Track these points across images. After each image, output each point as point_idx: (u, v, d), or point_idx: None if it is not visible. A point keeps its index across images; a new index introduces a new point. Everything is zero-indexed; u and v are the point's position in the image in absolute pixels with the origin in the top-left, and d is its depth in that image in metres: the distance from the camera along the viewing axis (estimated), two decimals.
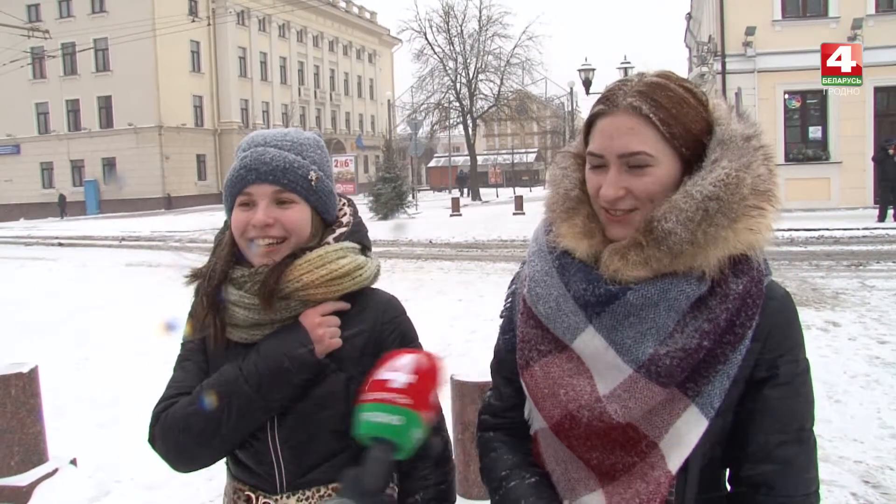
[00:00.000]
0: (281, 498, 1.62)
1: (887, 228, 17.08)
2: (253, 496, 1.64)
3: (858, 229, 17.17)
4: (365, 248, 1.75)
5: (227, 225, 1.70)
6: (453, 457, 1.75)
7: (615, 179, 1.31)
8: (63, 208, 48.18)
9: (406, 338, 1.70)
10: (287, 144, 1.64)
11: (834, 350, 7.40)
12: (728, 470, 1.41)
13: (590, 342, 1.33)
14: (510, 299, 1.58)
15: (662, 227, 1.27)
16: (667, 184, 1.31)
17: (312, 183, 1.63)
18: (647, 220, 1.29)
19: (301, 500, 1.62)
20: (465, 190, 48.38)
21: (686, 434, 1.30)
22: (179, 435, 1.58)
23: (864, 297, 10.02)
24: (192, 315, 1.70)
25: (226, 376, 1.58)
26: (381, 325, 1.67)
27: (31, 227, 37.86)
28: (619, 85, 1.36)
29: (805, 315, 8.87)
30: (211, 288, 1.62)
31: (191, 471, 1.66)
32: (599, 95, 1.39)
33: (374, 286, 1.72)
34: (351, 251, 1.67)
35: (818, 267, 12.87)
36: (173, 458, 1.62)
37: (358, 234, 1.73)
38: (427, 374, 1.28)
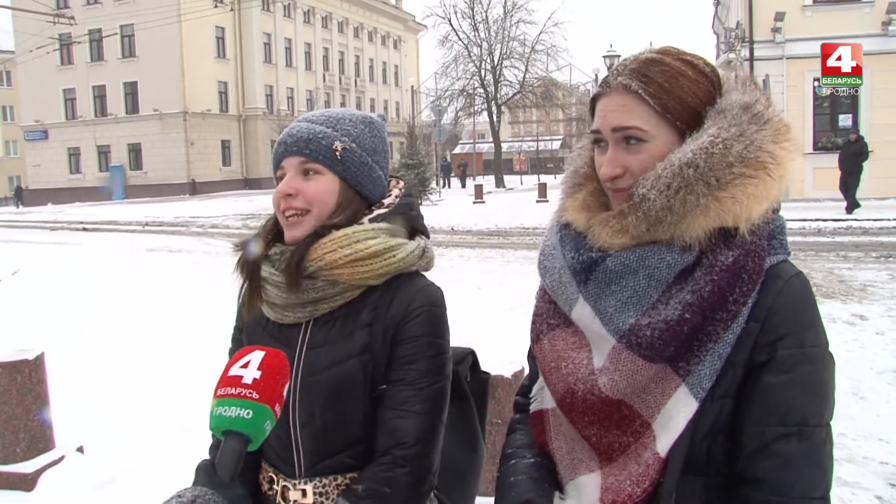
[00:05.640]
0: (299, 483, 1.60)
1: None
2: (275, 478, 1.65)
3: (888, 220, 16.83)
4: (416, 231, 1.71)
5: None
6: (434, 469, 1.59)
7: (612, 157, 1.33)
8: (20, 198, 49.92)
9: (428, 331, 1.59)
10: (322, 119, 1.64)
11: (860, 345, 7.18)
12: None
13: (581, 312, 1.34)
14: None
15: (638, 192, 1.27)
16: (663, 159, 1.29)
17: (337, 153, 1.60)
18: (630, 188, 1.30)
19: (318, 487, 1.59)
20: (446, 180, 46.54)
21: (675, 416, 1.25)
22: None
23: (894, 289, 9.75)
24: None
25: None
26: (405, 313, 1.59)
27: (57, 211, 38.30)
28: (616, 65, 1.38)
29: (831, 308, 8.67)
30: (246, 260, 1.65)
31: None
32: None
33: (423, 273, 1.69)
34: (384, 232, 1.60)
35: (846, 258, 12.62)
36: None
37: (405, 217, 1.68)
38: (275, 370, 1.34)
